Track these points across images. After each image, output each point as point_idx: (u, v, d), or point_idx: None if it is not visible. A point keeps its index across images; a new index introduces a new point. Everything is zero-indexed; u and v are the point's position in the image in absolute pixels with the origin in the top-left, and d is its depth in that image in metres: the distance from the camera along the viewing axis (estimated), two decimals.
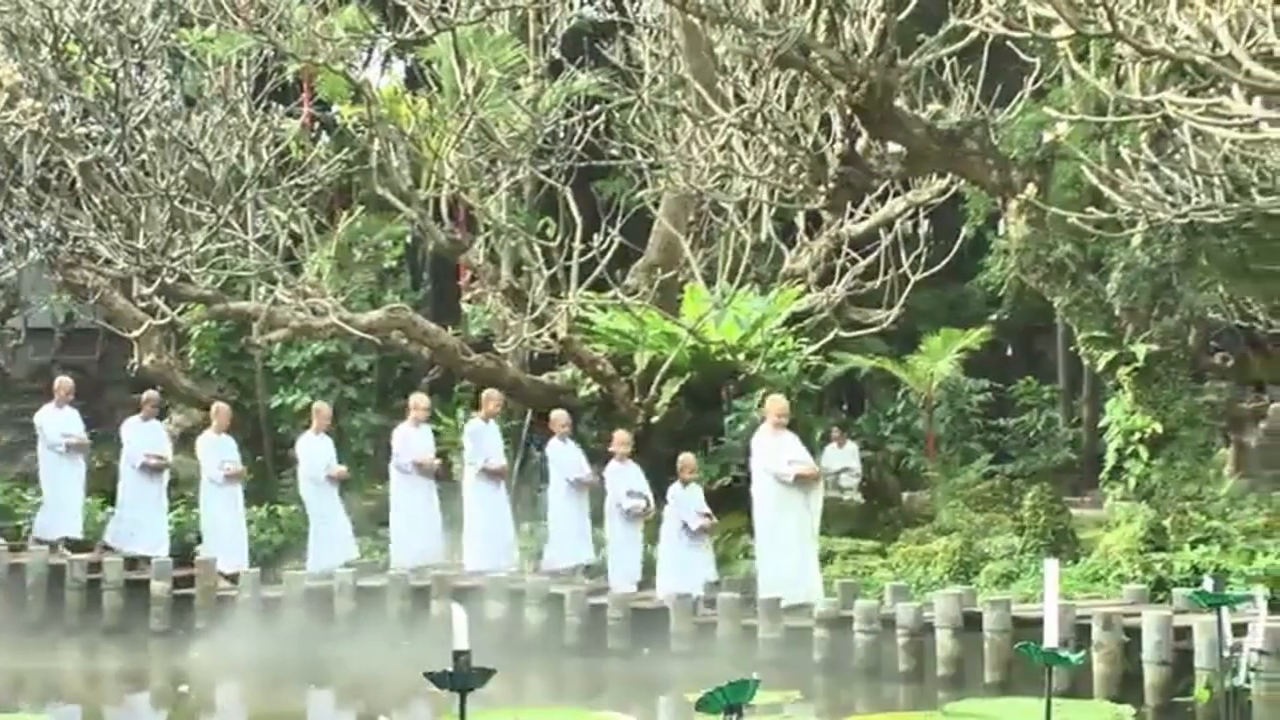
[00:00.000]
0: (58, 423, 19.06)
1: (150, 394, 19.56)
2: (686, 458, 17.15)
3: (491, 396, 18.67)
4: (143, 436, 18.90)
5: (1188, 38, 9.93)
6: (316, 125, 24.25)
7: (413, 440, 18.60)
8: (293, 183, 19.65)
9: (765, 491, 16.31)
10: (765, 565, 16.21)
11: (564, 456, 17.87)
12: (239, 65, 19.60)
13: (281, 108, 20.32)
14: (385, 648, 16.23)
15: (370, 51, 28.04)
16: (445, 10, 17.45)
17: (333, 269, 21.10)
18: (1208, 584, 9.21)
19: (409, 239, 24.58)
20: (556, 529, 17.80)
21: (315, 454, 18.77)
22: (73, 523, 18.87)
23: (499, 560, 17.72)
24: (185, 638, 17.07)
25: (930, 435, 22.29)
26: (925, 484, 20.52)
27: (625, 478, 17.18)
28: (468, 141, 20.14)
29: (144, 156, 17.98)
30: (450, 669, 4.81)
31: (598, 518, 17.74)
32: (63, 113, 17.96)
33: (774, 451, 16.29)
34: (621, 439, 17.42)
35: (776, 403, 16.78)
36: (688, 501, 16.79)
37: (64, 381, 19.61)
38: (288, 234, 19.54)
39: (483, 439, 18.23)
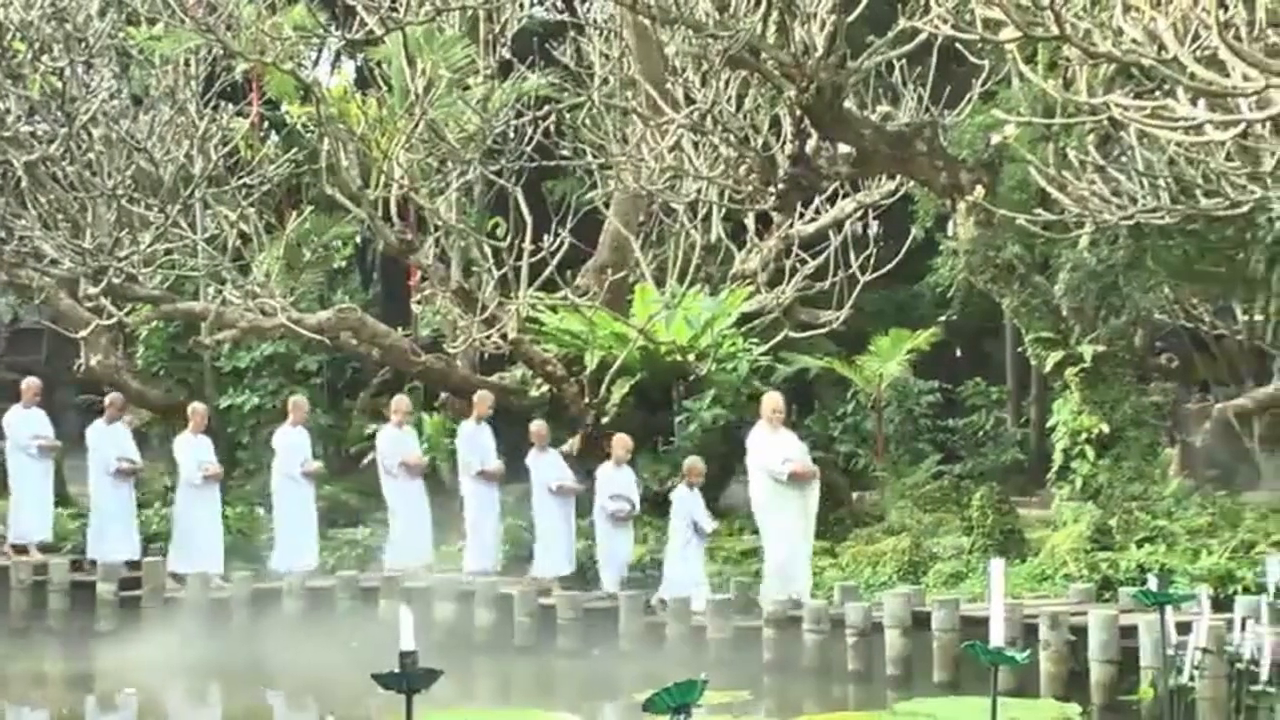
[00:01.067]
0: (26, 424, 18.87)
1: (115, 396, 19.35)
2: (694, 461, 16.91)
3: (484, 399, 18.42)
4: (110, 441, 18.75)
5: (1134, 41, 10.00)
6: (265, 125, 24.15)
7: (399, 442, 18.45)
8: (241, 182, 19.56)
9: (760, 489, 16.15)
10: (767, 563, 16.09)
11: (544, 466, 17.60)
12: (187, 64, 19.53)
13: (230, 107, 20.21)
14: (334, 649, 16.17)
15: (319, 51, 27.97)
16: (395, 10, 17.41)
17: (282, 269, 21.01)
18: (1152, 583, 9.29)
19: (358, 239, 24.53)
20: (542, 540, 17.47)
21: (292, 448, 18.64)
22: (44, 527, 18.69)
23: (492, 562, 17.64)
24: (132, 640, 16.95)
25: (879, 436, 22.35)
26: (874, 484, 20.59)
27: (615, 481, 16.93)
28: (418, 142, 20.09)
29: (91, 155, 17.86)
30: (397, 670, 4.80)
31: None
32: (8, 111, 17.81)
33: (769, 449, 16.09)
34: (622, 443, 17.12)
35: (771, 399, 16.60)
36: (697, 504, 16.56)
37: (32, 382, 19.38)
38: (236, 234, 19.43)
39: (476, 441, 18.04)
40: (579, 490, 17.60)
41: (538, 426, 17.86)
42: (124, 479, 18.60)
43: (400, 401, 18.89)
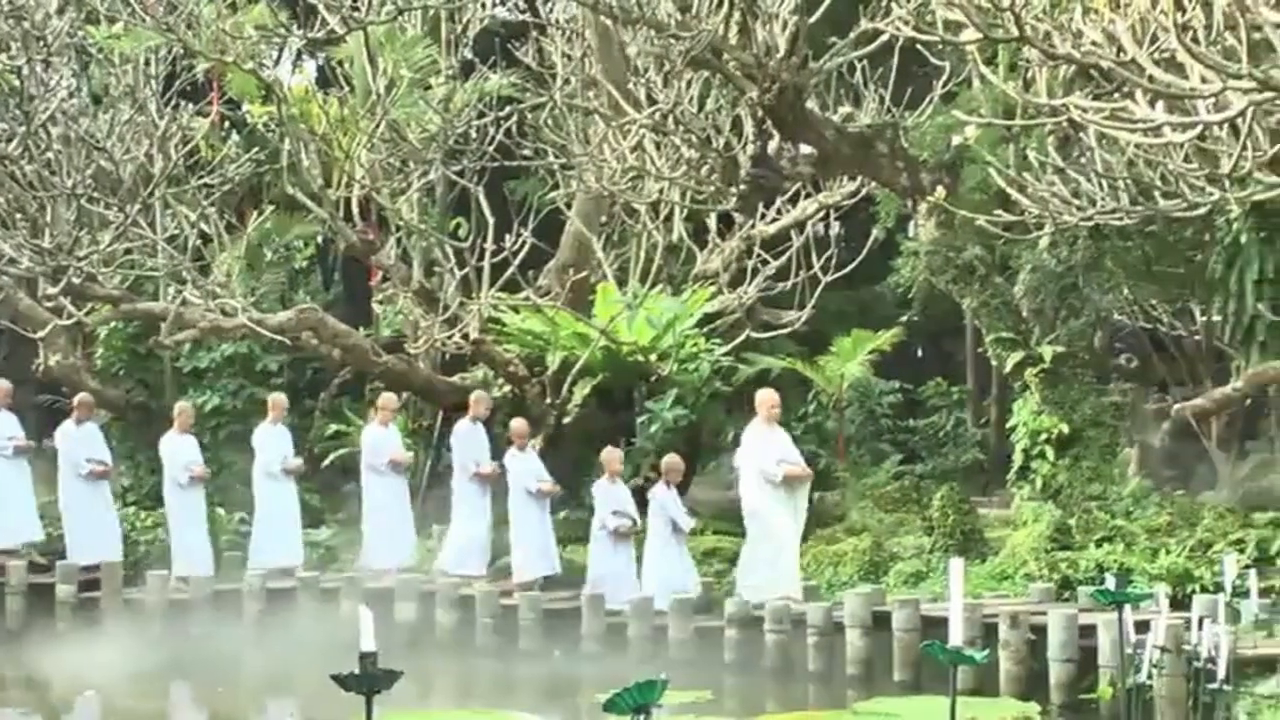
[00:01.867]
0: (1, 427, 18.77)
1: (84, 397, 19.21)
2: (673, 459, 16.82)
3: (481, 398, 18.23)
4: (81, 442, 18.62)
5: (1093, 43, 10.05)
6: (226, 124, 24.05)
7: (383, 440, 18.42)
8: (202, 182, 19.47)
9: (752, 488, 16.03)
10: (747, 563, 15.99)
11: (523, 466, 17.42)
12: (147, 63, 19.40)
13: (190, 106, 20.15)
14: (294, 649, 16.12)
15: (281, 50, 27.82)
16: (356, 9, 17.35)
17: (243, 269, 20.93)
18: (1110, 582, 9.33)
19: (320, 239, 24.47)
20: (520, 541, 17.26)
21: (272, 445, 18.58)
22: (32, 527, 18.55)
23: (480, 565, 17.47)
24: (90, 641, 16.87)
25: (841, 436, 22.39)
26: (836, 484, 20.62)
27: (613, 497, 16.73)
28: (379, 141, 20.06)
29: (50, 154, 17.75)
30: (357, 671, 4.79)
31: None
32: None
33: (764, 448, 15.99)
34: (615, 458, 16.97)
35: (768, 396, 16.49)
36: (675, 502, 16.46)
37: (2, 384, 19.28)
38: (197, 234, 19.33)
39: (473, 441, 17.89)
40: (557, 493, 17.52)
41: (518, 425, 17.71)
42: (96, 480, 18.50)
43: (386, 399, 18.80)
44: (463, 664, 16.26)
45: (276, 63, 27.69)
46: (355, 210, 20.68)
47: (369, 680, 4.82)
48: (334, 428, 21.81)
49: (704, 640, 15.47)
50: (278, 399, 19.18)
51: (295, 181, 19.38)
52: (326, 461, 21.13)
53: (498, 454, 17.95)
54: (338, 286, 26.64)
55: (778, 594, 15.40)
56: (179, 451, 18.51)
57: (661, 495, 16.47)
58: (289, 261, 23.38)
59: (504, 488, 17.60)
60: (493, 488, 17.83)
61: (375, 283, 22.57)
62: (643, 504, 16.77)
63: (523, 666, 16.02)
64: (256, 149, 20.38)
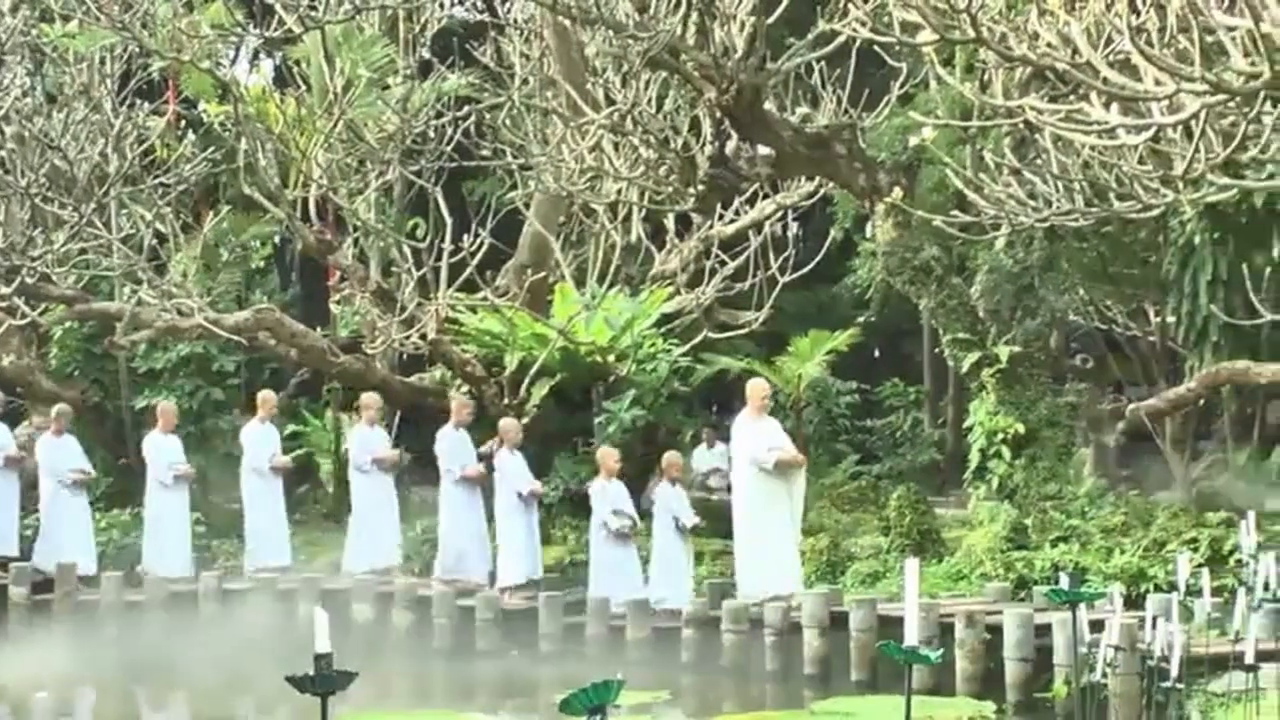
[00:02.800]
0: None
1: (62, 408, 19.04)
2: (673, 456, 16.67)
3: (464, 405, 17.95)
4: (62, 452, 18.48)
5: (1049, 45, 10.11)
6: (182, 123, 23.94)
7: (369, 440, 18.24)
8: (158, 181, 19.40)
9: (746, 480, 15.80)
10: (744, 556, 15.72)
11: (513, 468, 17.11)
12: (102, 62, 19.32)
13: (146, 105, 20.04)
14: (250, 651, 16.06)
15: (237, 49, 27.74)
16: (314, 9, 17.32)
17: (199, 269, 20.85)
18: (1064, 581, 9.37)
19: (277, 239, 24.39)
20: (507, 544, 16.95)
21: (260, 443, 18.44)
22: (8, 541, 18.38)
23: (474, 569, 17.19)
24: (45, 644, 16.76)
25: (799, 436, 22.44)
26: None
27: (611, 496, 16.46)
28: (336, 141, 20.02)
29: (3, 153, 17.66)
30: (311, 672, 4.78)
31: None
32: None
33: (755, 437, 15.76)
34: (611, 457, 16.69)
35: (759, 386, 16.34)
36: (679, 500, 16.26)
37: None
38: (152, 233, 19.28)
39: (455, 446, 17.56)
40: (542, 494, 17.35)
41: (508, 424, 17.42)
42: (78, 489, 18.40)
43: (370, 398, 18.61)
44: (420, 665, 16.22)
45: (233, 62, 27.60)
46: (312, 210, 20.62)
47: (324, 682, 4.81)
48: (291, 428, 21.74)
49: (662, 640, 15.47)
50: (267, 396, 19.03)
51: (252, 181, 19.31)
52: (283, 461, 21.02)
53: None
54: (295, 287, 26.56)
55: (776, 591, 15.17)
56: (163, 451, 18.42)
57: (665, 493, 16.25)
58: (246, 261, 23.29)
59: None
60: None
61: (333, 283, 22.51)
62: (580, 504, 16.80)
63: (480, 667, 15.99)
64: (213, 148, 20.29)
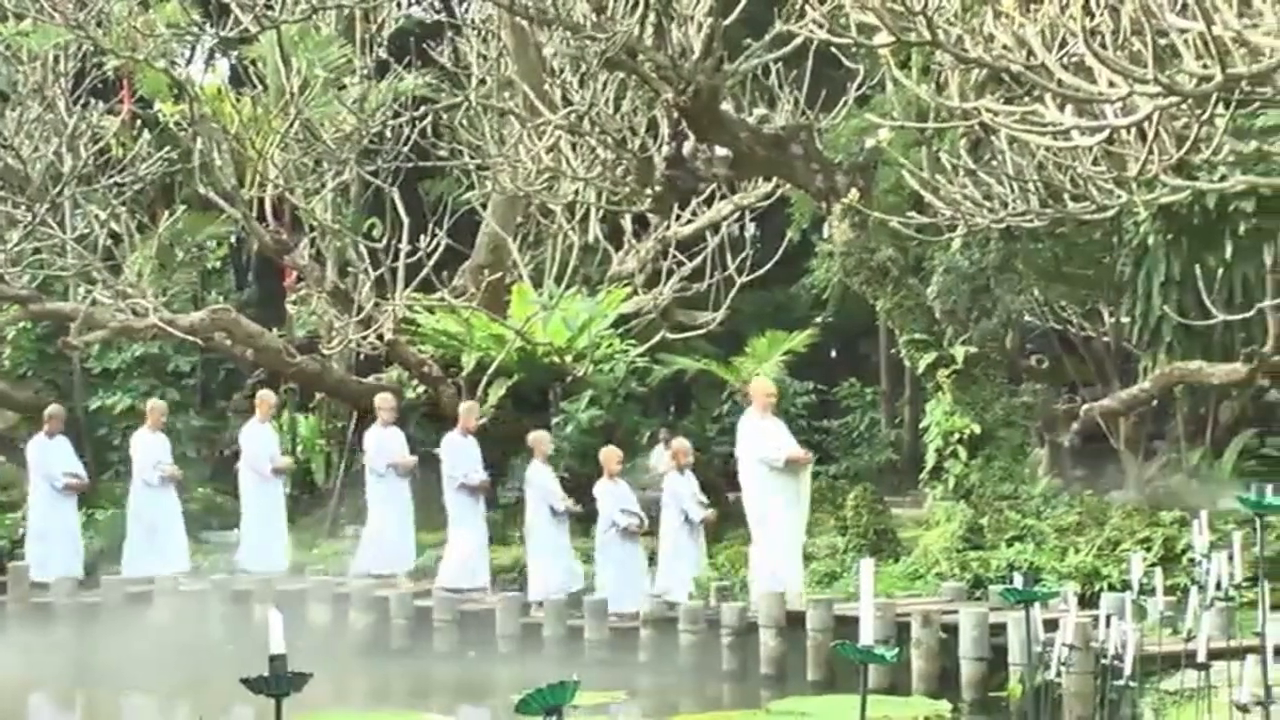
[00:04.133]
0: None
1: (55, 409, 18.90)
2: (681, 443, 16.54)
3: (471, 411, 17.71)
4: (54, 455, 18.34)
5: (1004, 47, 10.15)
6: (137, 122, 23.81)
7: (385, 442, 17.86)
8: (112, 181, 19.32)
9: (754, 479, 15.55)
10: (758, 557, 15.48)
11: (546, 482, 16.85)
12: (56, 60, 19.20)
13: (101, 104, 19.94)
14: (206, 652, 16.00)
15: (193, 48, 27.62)
16: (270, 8, 17.25)
17: (154, 269, 20.75)
18: (1018, 581, 9.41)
19: (233, 239, 24.30)
20: (540, 557, 16.65)
21: (260, 444, 18.29)
22: None
23: (476, 577, 16.98)
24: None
25: None
26: None
27: (617, 496, 16.36)
28: (293, 141, 19.94)
29: None
30: (266, 674, 4.77)
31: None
32: None
33: (762, 436, 15.54)
34: (614, 457, 16.63)
35: (763, 384, 16.18)
36: (688, 489, 16.10)
37: None
38: (107, 233, 19.18)
39: (461, 453, 17.36)
40: (572, 508, 16.92)
41: (539, 437, 17.13)
42: (69, 494, 18.24)
43: (383, 399, 18.23)
44: (377, 666, 16.18)
45: (189, 61, 27.49)
46: (268, 210, 20.55)
47: (278, 683, 4.79)
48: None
49: (619, 640, 15.48)
50: (266, 396, 18.86)
51: (208, 181, 19.24)
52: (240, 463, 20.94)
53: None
54: (251, 287, 26.46)
55: (779, 586, 14.89)
56: (150, 449, 18.30)
57: (675, 482, 16.11)
58: (201, 261, 23.19)
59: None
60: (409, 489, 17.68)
61: (289, 283, 22.44)
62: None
63: (437, 668, 15.97)
64: (168, 148, 20.21)
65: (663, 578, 15.96)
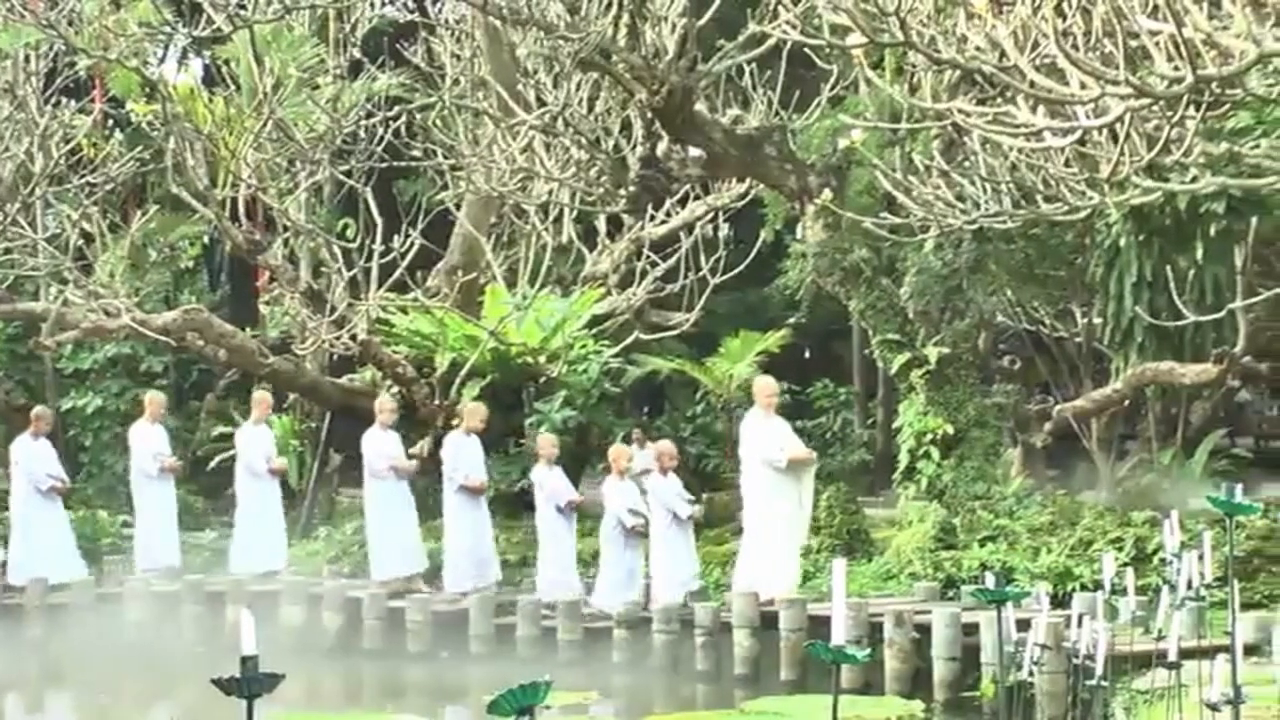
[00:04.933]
0: None
1: (41, 410, 18.80)
2: (666, 445, 16.45)
3: (476, 411, 17.44)
4: (40, 456, 18.21)
5: (976, 48, 10.17)
6: (109, 122, 23.76)
7: (385, 444, 17.50)
8: (84, 181, 19.26)
9: (757, 479, 15.48)
10: (748, 555, 15.45)
11: (554, 482, 16.71)
12: (27, 59, 19.13)
13: (72, 103, 19.88)
14: (179, 654, 15.96)
15: (165, 48, 27.52)
16: (243, 7, 17.20)
17: (126, 269, 20.69)
18: (989, 581, 9.44)
19: (206, 239, 24.24)
20: (548, 559, 16.57)
21: (255, 444, 18.15)
22: None
23: (483, 578, 16.71)
24: None
25: (730, 437, 22.51)
26: (725, 485, 20.71)
27: (624, 494, 16.22)
28: (266, 141, 19.88)
29: None
30: (238, 674, 4.75)
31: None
32: None
33: (767, 436, 15.49)
34: (622, 455, 16.55)
35: (766, 384, 16.04)
36: (671, 490, 15.98)
37: None
38: (79, 233, 19.11)
39: (463, 453, 17.10)
40: (583, 503, 16.88)
41: (546, 440, 17.08)
42: (54, 496, 18.14)
43: (383, 401, 17.98)
44: (350, 666, 16.16)
45: (161, 60, 27.36)
46: (242, 210, 20.48)
47: (250, 684, 4.78)
48: (219, 429, 21.59)
49: (593, 641, 15.48)
50: (263, 397, 18.72)
51: (180, 181, 19.17)
52: (213, 464, 20.90)
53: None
54: (224, 287, 26.41)
55: (774, 593, 14.91)
56: (149, 441, 18.22)
57: (658, 483, 16.01)
58: (174, 261, 23.14)
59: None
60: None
61: (262, 283, 22.40)
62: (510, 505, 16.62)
63: (410, 669, 15.95)
64: (140, 147, 20.15)
65: (656, 581, 15.81)
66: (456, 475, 17.00)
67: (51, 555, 17.79)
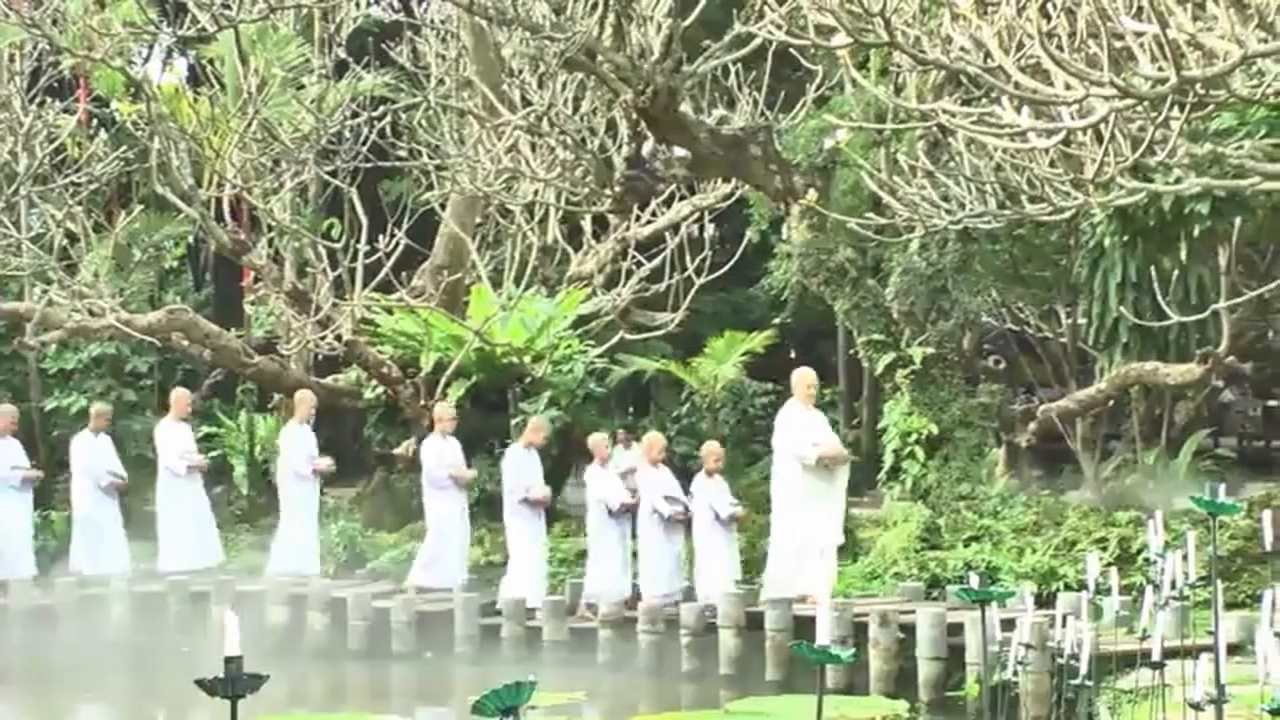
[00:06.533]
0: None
1: (100, 406, 18.87)
2: (712, 446, 16.31)
3: (538, 427, 17.34)
4: (101, 453, 18.36)
5: (961, 49, 10.17)
6: (94, 122, 23.69)
7: (444, 452, 17.36)
8: (69, 180, 19.20)
9: (788, 473, 15.30)
10: (778, 553, 15.27)
11: (603, 482, 16.62)
12: (11, 59, 19.08)
13: (57, 103, 19.83)
14: (163, 654, 15.94)
15: (150, 47, 27.48)
16: (228, 7, 17.15)
17: (111, 269, 20.63)
18: (973, 581, 9.46)
19: (191, 239, 24.20)
20: (597, 560, 16.36)
21: (299, 445, 18.04)
22: (27, 562, 18.09)
23: (537, 589, 16.46)
24: None
25: (715, 437, 22.50)
26: None
27: (662, 483, 16.12)
28: (251, 141, 19.85)
29: None
30: (221, 675, 4.76)
31: None
32: None
33: (800, 430, 15.26)
34: (657, 444, 16.46)
35: (805, 376, 15.78)
36: (715, 492, 15.87)
37: (6, 410, 18.94)
38: (63, 233, 19.06)
39: (524, 467, 17.00)
40: (633, 505, 16.43)
41: (598, 440, 16.98)
42: (112, 493, 18.14)
43: (442, 409, 17.72)
44: (334, 667, 16.14)
45: (146, 60, 27.35)
46: (226, 210, 20.47)
47: (234, 684, 4.79)
48: (205, 429, 21.55)
49: (578, 641, 15.48)
50: (305, 396, 18.57)
51: (165, 181, 19.12)
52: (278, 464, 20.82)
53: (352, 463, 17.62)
54: (209, 287, 26.37)
55: (799, 591, 14.76)
56: (177, 438, 18.20)
57: (702, 485, 15.88)
58: (158, 261, 23.07)
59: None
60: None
61: (247, 283, 22.35)
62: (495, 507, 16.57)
63: (395, 669, 15.94)
64: (125, 147, 20.10)
65: (698, 580, 15.64)
66: (517, 489, 16.81)
67: (108, 552, 17.94)
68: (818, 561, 15.07)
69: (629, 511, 16.18)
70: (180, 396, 18.70)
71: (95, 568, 17.78)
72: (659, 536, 15.85)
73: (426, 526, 17.39)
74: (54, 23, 17.92)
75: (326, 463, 18.19)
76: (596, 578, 16.07)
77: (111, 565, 17.83)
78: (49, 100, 19.64)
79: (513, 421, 19.05)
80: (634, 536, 16.19)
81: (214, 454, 21.11)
